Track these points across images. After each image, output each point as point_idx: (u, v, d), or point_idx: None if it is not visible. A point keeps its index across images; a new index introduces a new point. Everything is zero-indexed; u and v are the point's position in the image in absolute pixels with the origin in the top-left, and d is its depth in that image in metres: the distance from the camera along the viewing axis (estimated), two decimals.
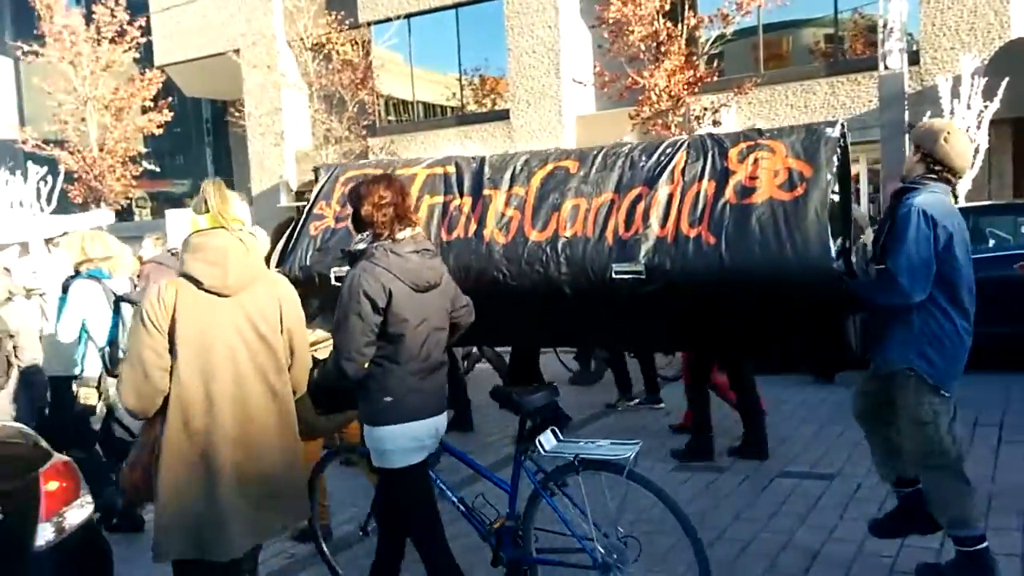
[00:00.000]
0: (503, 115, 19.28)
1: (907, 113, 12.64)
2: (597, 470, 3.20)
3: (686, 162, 3.53)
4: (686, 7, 12.51)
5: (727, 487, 4.91)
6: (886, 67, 11.68)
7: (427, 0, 19.61)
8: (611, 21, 12.94)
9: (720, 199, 3.36)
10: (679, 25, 12.47)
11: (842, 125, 3.45)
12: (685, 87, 12.44)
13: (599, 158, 3.76)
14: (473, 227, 3.80)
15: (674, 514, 3.10)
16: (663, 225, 3.42)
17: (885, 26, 11.82)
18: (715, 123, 12.89)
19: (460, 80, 20.57)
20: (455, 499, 3.47)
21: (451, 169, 4.04)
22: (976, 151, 12.58)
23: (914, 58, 14.60)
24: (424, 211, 3.92)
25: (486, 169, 3.95)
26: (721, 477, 5.09)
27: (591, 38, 17.18)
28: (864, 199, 15.85)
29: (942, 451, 3.26)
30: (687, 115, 13.11)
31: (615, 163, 3.69)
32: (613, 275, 3.44)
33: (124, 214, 23.16)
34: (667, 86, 12.44)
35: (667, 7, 12.59)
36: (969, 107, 12.73)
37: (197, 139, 33.38)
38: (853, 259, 3.62)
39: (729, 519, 4.37)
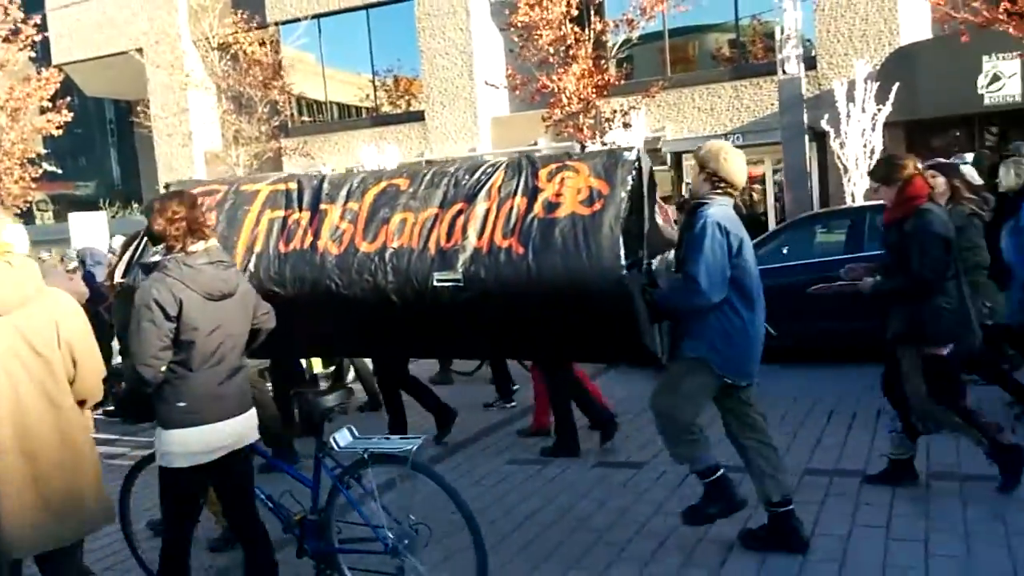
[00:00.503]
0: (418, 116, 19.22)
1: (806, 116, 13.18)
2: (384, 463, 3.52)
3: (503, 180, 3.85)
4: (592, 12, 12.72)
5: (645, 482, 4.99)
6: (784, 72, 12.13)
7: (336, 1, 19.38)
8: (519, 25, 13.06)
9: (530, 214, 3.70)
10: (586, 30, 12.67)
11: (638, 150, 3.82)
12: (594, 90, 12.65)
13: (427, 176, 4.04)
14: (309, 239, 4.02)
15: (456, 504, 3.37)
16: (480, 237, 3.73)
17: (782, 33, 12.25)
18: (625, 125, 13.16)
19: (373, 81, 20.42)
20: (263, 496, 3.68)
21: (292, 185, 4.26)
22: (871, 152, 13.20)
23: (811, 63, 15.21)
24: (264, 225, 4.14)
25: (325, 185, 4.19)
26: (640, 473, 5.17)
27: (503, 41, 17.29)
28: (770, 199, 16.44)
29: (682, 420, 3.77)
30: (598, 117, 13.34)
31: (441, 181, 3.98)
32: (435, 283, 3.72)
33: (25, 218, 22.13)
34: (576, 89, 12.63)
35: (574, 12, 12.78)
36: (864, 110, 13.33)
37: (101, 140, 32.15)
38: (662, 269, 3.97)
39: (650, 512, 4.46)
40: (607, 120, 13.04)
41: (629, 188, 3.62)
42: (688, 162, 17.56)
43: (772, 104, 14.93)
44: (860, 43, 14.93)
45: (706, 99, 16.57)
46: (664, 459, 5.21)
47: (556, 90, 12.83)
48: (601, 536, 4.23)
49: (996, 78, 13.49)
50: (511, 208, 3.74)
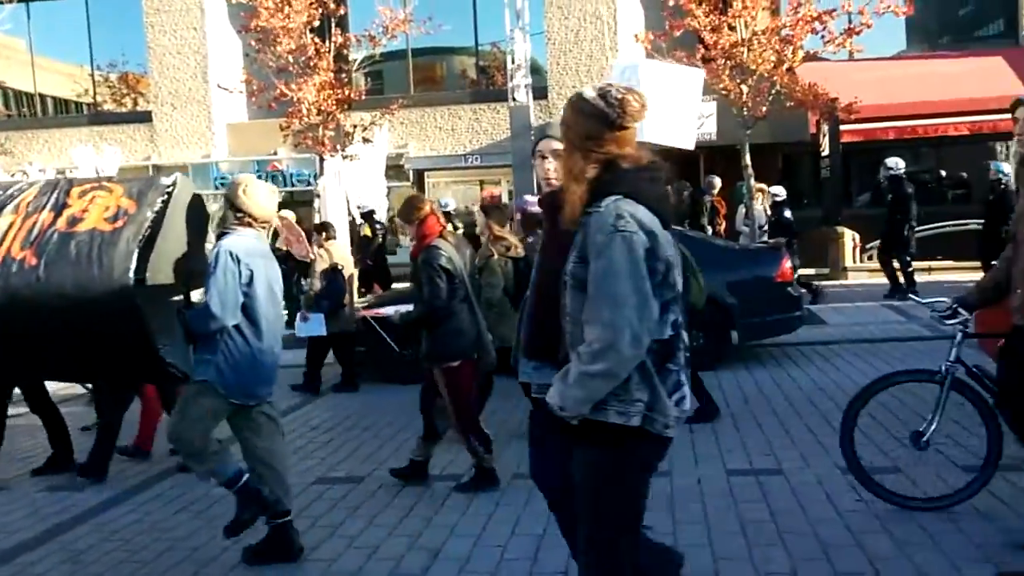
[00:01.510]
0: (145, 117, 17.89)
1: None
2: None
3: (35, 196, 4.10)
4: (333, 25, 12.62)
5: (360, 496, 4.98)
6: (515, 100, 12.82)
7: None
8: (258, 29, 12.63)
9: (52, 227, 3.92)
10: (327, 42, 12.55)
11: (177, 178, 4.12)
12: (335, 103, 12.54)
13: None
14: None
15: None
16: None
17: (513, 63, 12.95)
18: (365, 140, 13.16)
19: (93, 75, 18.67)
20: None
21: None
22: None
23: (544, 93, 16.25)
24: None
25: None
26: (357, 487, 5.15)
27: (241, 44, 16.62)
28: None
29: (189, 440, 3.90)
30: (339, 131, 13.22)
31: None
32: None
33: None
34: (317, 100, 12.43)
35: (316, 23, 12.60)
36: (700, 115, 14.37)
37: None
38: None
39: (362, 526, 4.45)
40: (347, 134, 12.98)
41: (156, 210, 3.88)
42: (430, 179, 17.99)
43: (507, 129, 15.72)
44: (587, 77, 16.19)
45: (447, 119, 17.08)
46: (382, 475, 5.32)
47: (295, 100, 12.54)
48: (312, 551, 4.18)
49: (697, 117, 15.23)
50: (35, 222, 3.95)
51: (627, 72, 8.08)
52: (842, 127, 13.42)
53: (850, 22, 11.56)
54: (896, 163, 11.36)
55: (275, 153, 16.55)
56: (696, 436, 5.72)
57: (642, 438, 2.29)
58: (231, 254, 3.83)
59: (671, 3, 11.85)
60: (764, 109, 11.57)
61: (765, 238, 12.22)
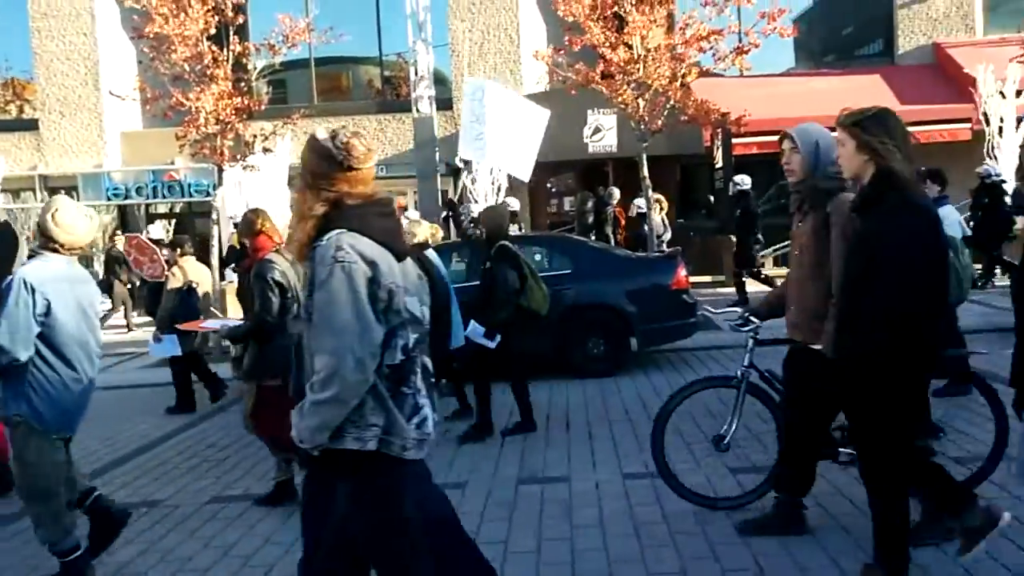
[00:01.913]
0: (31, 125, 17.06)
1: (438, 154, 14.04)
2: None
3: None
4: (231, 33, 12.35)
5: (258, 514, 4.89)
6: (418, 111, 12.83)
7: None
8: (152, 36, 12.23)
9: None
10: (225, 50, 12.26)
11: None
12: (234, 112, 12.25)
13: None
14: None
15: None
16: None
17: (416, 74, 12.97)
18: (266, 150, 12.91)
19: None
20: None
21: None
22: (499, 190, 14.44)
23: (449, 104, 16.32)
24: None
25: None
26: (255, 506, 5.05)
27: (135, 51, 16.06)
28: None
29: (44, 488, 3.81)
30: (238, 141, 12.93)
31: None
32: None
33: None
34: (215, 110, 12.12)
35: (212, 30, 12.29)
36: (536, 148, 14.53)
37: None
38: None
39: (198, 548, 4.39)
40: (247, 144, 12.70)
41: None
42: None
43: (412, 140, 15.72)
44: None
45: (352, 129, 16.91)
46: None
47: (192, 109, 12.19)
48: (206, 572, 4.09)
49: (598, 130, 15.62)
50: None
51: (477, 92, 8.29)
52: (734, 140, 13.98)
53: (740, 41, 12.07)
54: (743, 179, 11.78)
55: (172, 163, 16.04)
56: (595, 442, 5.90)
57: (380, 461, 2.38)
58: (24, 283, 3.68)
59: (570, 20, 12.10)
60: (660, 123, 11.94)
61: (663, 247, 12.63)
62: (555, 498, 4.81)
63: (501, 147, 8.24)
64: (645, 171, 12.26)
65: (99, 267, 16.75)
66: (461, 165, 8.62)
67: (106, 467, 6.26)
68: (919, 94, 14.51)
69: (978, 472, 4.22)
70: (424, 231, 7.16)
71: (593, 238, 13.43)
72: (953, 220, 6.37)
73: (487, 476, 5.34)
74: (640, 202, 12.67)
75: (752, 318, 4.29)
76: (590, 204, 14.70)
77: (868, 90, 15.05)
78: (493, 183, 14.47)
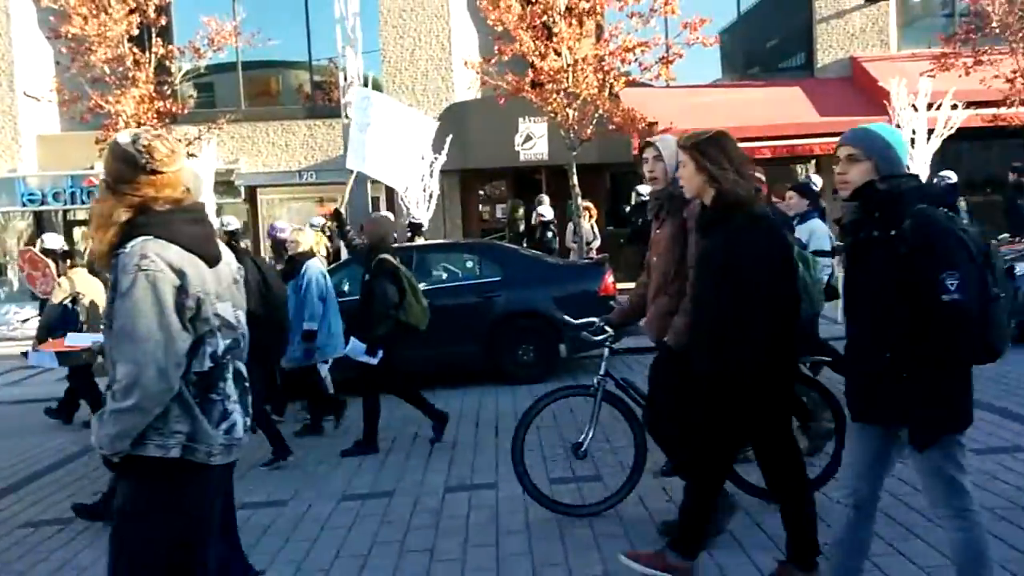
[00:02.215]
0: None
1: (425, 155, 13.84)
2: None
3: None
4: (154, 34, 12.07)
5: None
6: (347, 117, 12.70)
7: None
8: (70, 36, 11.88)
9: None
10: (147, 52, 11.98)
11: None
12: (155, 116, 11.98)
13: None
14: None
15: None
16: None
17: (345, 80, 12.87)
18: (190, 155, 12.63)
19: None
20: None
21: None
22: (430, 196, 14.42)
23: None
24: None
25: None
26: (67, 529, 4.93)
27: (52, 51, 15.52)
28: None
29: None
30: None
31: None
32: None
33: None
34: (136, 113, 11.83)
35: (134, 31, 12.00)
36: (423, 157, 14.49)
37: None
38: None
39: None
40: None
41: None
42: (263, 196, 17.49)
43: (343, 146, 15.55)
44: (422, 96, 16.32)
45: (281, 135, 16.69)
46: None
47: (112, 112, 11.87)
48: None
49: (529, 137, 15.75)
50: None
51: (364, 101, 8.33)
52: None
53: (667, 52, 12.35)
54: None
55: (91, 167, 15.52)
56: (524, 448, 5.92)
57: (184, 468, 2.36)
58: None
59: (499, 28, 12.20)
60: (589, 131, 12.12)
61: (592, 253, 12.79)
62: (482, 504, 4.84)
63: (382, 157, 8.27)
64: (575, 179, 12.41)
65: (13, 276, 16.13)
66: (350, 174, 8.60)
67: (20, 483, 6.04)
68: (837, 106, 15.06)
69: (823, 472, 4.38)
70: (307, 240, 7.15)
71: (525, 245, 13.53)
72: (822, 233, 6.43)
73: (414, 484, 5.34)
74: (543, 210, 12.78)
75: (607, 327, 4.37)
76: (521, 211, 14.80)
77: (789, 102, 15.58)
78: (425, 190, 14.47)
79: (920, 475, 2.83)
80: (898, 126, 14.27)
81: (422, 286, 8.69)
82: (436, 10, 16.50)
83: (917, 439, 2.68)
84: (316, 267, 6.97)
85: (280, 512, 4.99)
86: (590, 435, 4.50)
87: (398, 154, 8.33)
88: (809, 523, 3.43)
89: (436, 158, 14.50)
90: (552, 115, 12.35)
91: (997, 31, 13.39)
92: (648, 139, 3.98)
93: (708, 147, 3.34)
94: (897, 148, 2.83)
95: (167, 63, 12.43)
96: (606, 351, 4.43)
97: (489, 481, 5.27)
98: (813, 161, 15.86)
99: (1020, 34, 13.50)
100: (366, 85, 12.57)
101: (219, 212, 16.15)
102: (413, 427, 6.68)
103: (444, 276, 9.53)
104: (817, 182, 12.36)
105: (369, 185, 13.11)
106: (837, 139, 2.96)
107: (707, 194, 3.37)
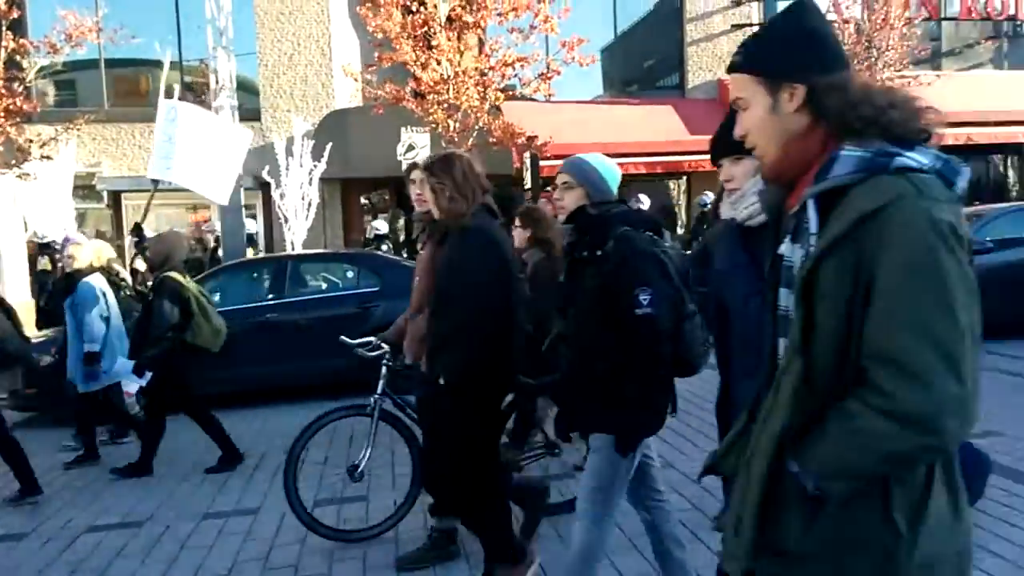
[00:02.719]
0: None
1: (246, 166, 13.46)
2: None
3: None
4: (4, 28, 11.26)
5: (27, 551, 4.44)
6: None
7: None
8: None
9: None
10: None
11: None
12: (4, 114, 11.16)
13: None
14: None
15: None
16: None
17: (217, 83, 12.44)
18: (44, 157, 11.83)
19: None
20: None
21: None
22: (309, 205, 14.08)
23: (257, 115, 15.76)
24: None
25: None
26: (23, 542, 4.59)
27: None
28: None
29: None
30: (10, 146, 11.77)
31: None
32: None
33: None
34: None
35: None
36: (301, 165, 14.17)
37: None
38: None
39: None
40: (21, 149, 11.59)
41: None
42: (128, 201, 16.61)
43: None
44: (301, 102, 15.96)
45: (148, 137, 15.85)
46: (46, 529, 4.82)
47: None
48: None
49: (411, 147, 15.64)
50: None
51: (172, 112, 8.18)
52: (542, 163, 14.49)
53: (547, 69, 12.56)
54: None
55: None
56: (395, 458, 5.83)
57: None
58: None
59: (380, 36, 12.09)
60: (470, 143, 12.16)
61: None
62: (352, 518, 4.73)
63: (193, 169, 8.12)
64: None
65: None
66: (151, 183, 8.36)
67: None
68: (704, 125, 15.72)
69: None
70: (86, 255, 6.44)
71: (405, 255, 13.41)
72: None
73: (281, 500, 5.14)
74: (378, 223, 12.76)
75: (383, 344, 4.31)
76: (402, 221, 14.69)
77: (663, 119, 16.16)
78: (303, 198, 14.12)
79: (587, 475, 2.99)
80: None
81: (299, 297, 8.53)
82: (316, 15, 16.20)
83: (620, 445, 2.85)
84: (93, 284, 6.29)
85: (135, 533, 4.73)
86: (367, 457, 4.37)
87: (210, 164, 8.15)
88: (503, 527, 3.58)
89: (315, 165, 14.21)
90: (433, 126, 12.32)
91: None
92: (413, 162, 4.11)
93: (435, 167, 3.50)
94: (607, 177, 3.08)
95: (19, 58, 11.60)
96: (384, 369, 4.31)
97: (360, 494, 5.16)
98: (684, 177, 16.51)
99: (866, 63, 14.53)
100: (246, 90, 12.19)
101: (81, 219, 15.25)
102: (280, 440, 6.45)
103: (323, 286, 9.35)
104: (644, 201, 12.94)
105: (243, 193, 12.69)
106: (706, 157, 3.09)
107: (434, 210, 3.54)
